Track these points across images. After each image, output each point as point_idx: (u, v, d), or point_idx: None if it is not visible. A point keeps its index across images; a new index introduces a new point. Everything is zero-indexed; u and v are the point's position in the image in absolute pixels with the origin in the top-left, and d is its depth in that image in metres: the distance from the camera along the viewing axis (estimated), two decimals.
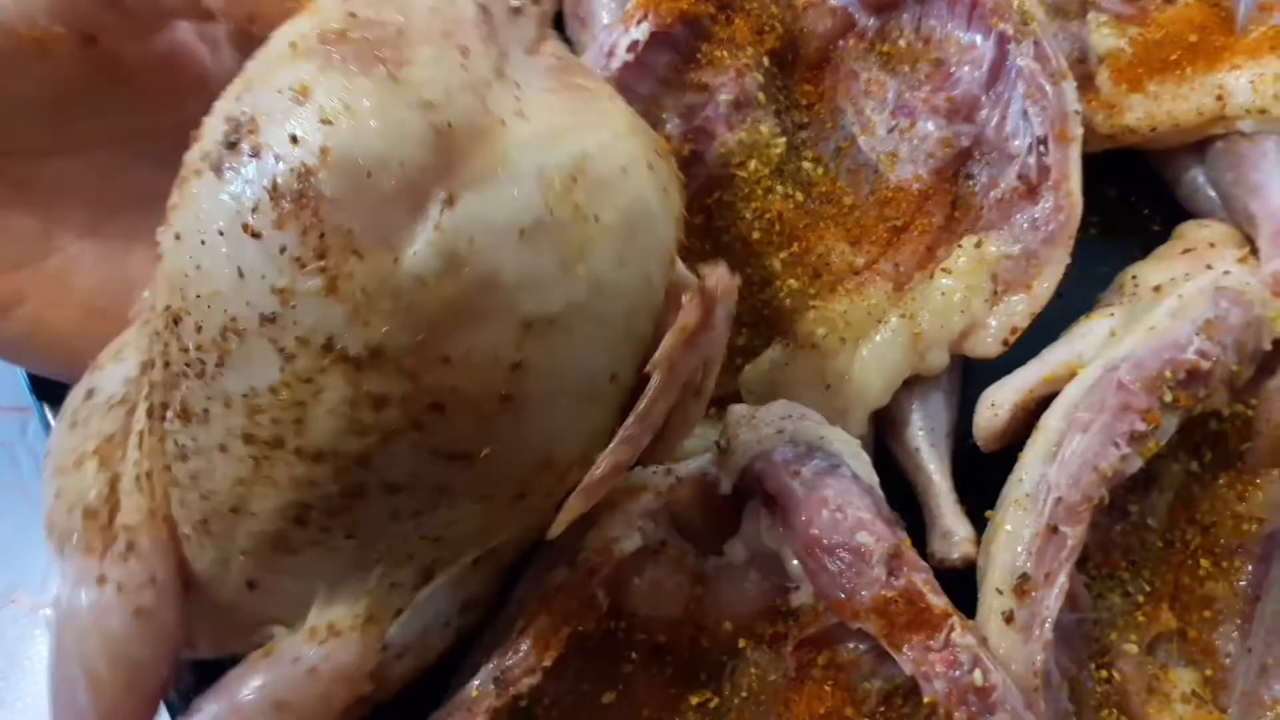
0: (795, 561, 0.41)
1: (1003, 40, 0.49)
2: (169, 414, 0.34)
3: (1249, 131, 0.53)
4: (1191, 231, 0.54)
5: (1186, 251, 0.52)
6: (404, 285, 0.30)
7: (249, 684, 0.36)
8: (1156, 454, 0.44)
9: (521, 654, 0.39)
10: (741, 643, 0.41)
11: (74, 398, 0.40)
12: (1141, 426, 0.42)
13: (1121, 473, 0.42)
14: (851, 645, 0.40)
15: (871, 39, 0.53)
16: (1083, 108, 0.53)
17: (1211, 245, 0.52)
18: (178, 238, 0.32)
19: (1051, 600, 0.40)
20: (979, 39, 0.50)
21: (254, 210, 0.30)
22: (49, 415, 0.49)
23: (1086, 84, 0.55)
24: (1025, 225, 0.47)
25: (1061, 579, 0.40)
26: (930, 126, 0.50)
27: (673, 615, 0.42)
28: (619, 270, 0.33)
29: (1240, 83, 0.53)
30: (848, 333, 0.47)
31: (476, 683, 0.39)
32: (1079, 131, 0.48)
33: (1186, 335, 0.44)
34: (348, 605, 0.36)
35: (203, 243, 0.31)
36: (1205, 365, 0.43)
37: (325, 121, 0.30)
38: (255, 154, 0.30)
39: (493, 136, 0.32)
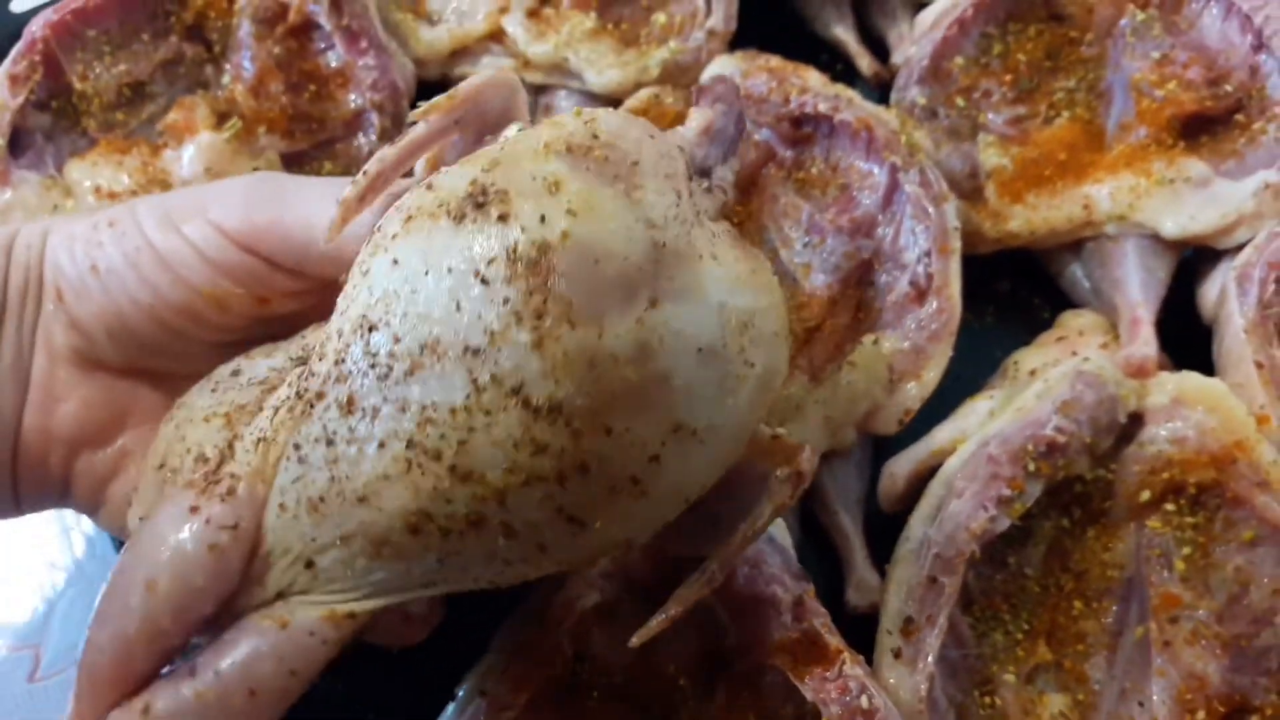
0: (724, 612, 0.49)
1: (894, 169, 0.59)
2: (326, 402, 0.38)
3: (1113, 234, 0.62)
4: (1068, 320, 0.63)
5: (1060, 339, 0.61)
6: (600, 358, 0.34)
7: (265, 641, 0.39)
8: (1028, 513, 0.52)
9: (500, 694, 0.48)
10: (682, 682, 0.49)
11: (221, 372, 0.45)
12: (1008, 492, 0.51)
13: (990, 531, 0.50)
14: (768, 679, 0.47)
15: (789, 168, 0.63)
16: (973, 217, 0.63)
17: (1081, 333, 0.61)
18: (395, 262, 0.36)
19: (932, 638, 0.48)
20: (875, 168, 0.60)
21: (489, 262, 0.34)
22: None
23: (977, 195, 0.65)
24: (914, 325, 0.56)
25: (941, 620, 0.49)
26: (837, 242, 0.59)
27: (626, 660, 0.50)
28: (749, 413, 0.37)
29: (1103, 194, 0.62)
30: (771, 418, 0.56)
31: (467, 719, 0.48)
32: (957, 245, 0.57)
33: (1047, 414, 0.52)
34: (370, 604, 0.40)
35: (426, 272, 0.35)
36: (1062, 439, 0.52)
37: (571, 212, 0.35)
38: (503, 219, 0.35)
39: (693, 265, 0.36)
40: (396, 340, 0.36)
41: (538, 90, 0.72)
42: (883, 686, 0.47)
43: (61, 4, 0.67)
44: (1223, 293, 0.59)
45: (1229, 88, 0.64)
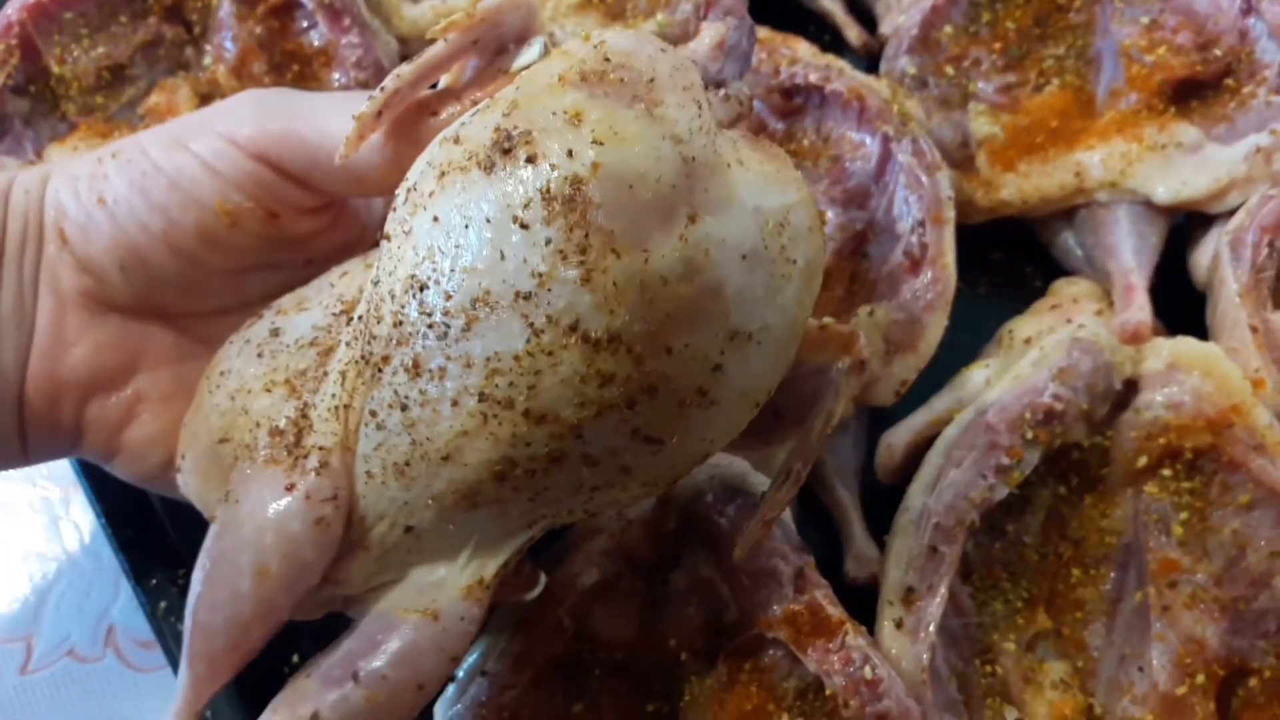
0: (725, 586, 0.49)
1: (886, 139, 0.59)
2: (393, 366, 0.38)
3: (1105, 201, 0.62)
4: (1061, 288, 0.63)
5: (1054, 307, 0.60)
6: (649, 282, 0.35)
7: (424, 636, 0.40)
8: (1026, 482, 0.52)
9: (502, 673, 0.47)
10: (684, 656, 0.49)
11: (258, 332, 0.44)
12: (1006, 461, 0.51)
13: (989, 500, 0.50)
14: (770, 652, 0.47)
15: (780, 139, 0.62)
16: (965, 186, 0.63)
17: (1075, 300, 0.61)
18: (435, 220, 0.36)
19: (934, 608, 0.48)
20: (867, 138, 0.60)
21: (525, 206, 0.35)
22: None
23: (968, 165, 0.65)
24: (909, 296, 0.56)
25: (942, 590, 0.49)
26: (830, 214, 0.59)
27: (628, 636, 0.50)
28: (799, 308, 0.38)
29: (1094, 160, 0.62)
30: None
31: (469, 699, 0.48)
32: (951, 214, 0.57)
33: (1044, 382, 0.52)
34: (493, 562, 0.41)
35: (466, 226, 0.35)
36: (1059, 407, 0.52)
37: (596, 142, 0.35)
38: (531, 160, 0.35)
39: (723, 174, 0.37)
40: (448, 297, 0.36)
41: None
42: (885, 657, 0.47)
43: None
44: (1216, 258, 0.59)
45: (1218, 52, 0.64)
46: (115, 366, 0.46)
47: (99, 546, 0.63)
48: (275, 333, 0.44)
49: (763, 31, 0.65)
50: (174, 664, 0.53)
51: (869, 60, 0.72)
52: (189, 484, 0.45)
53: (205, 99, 0.65)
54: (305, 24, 0.68)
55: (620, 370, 0.35)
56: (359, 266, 0.45)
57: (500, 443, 0.37)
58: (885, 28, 0.72)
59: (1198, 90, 0.64)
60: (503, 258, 0.35)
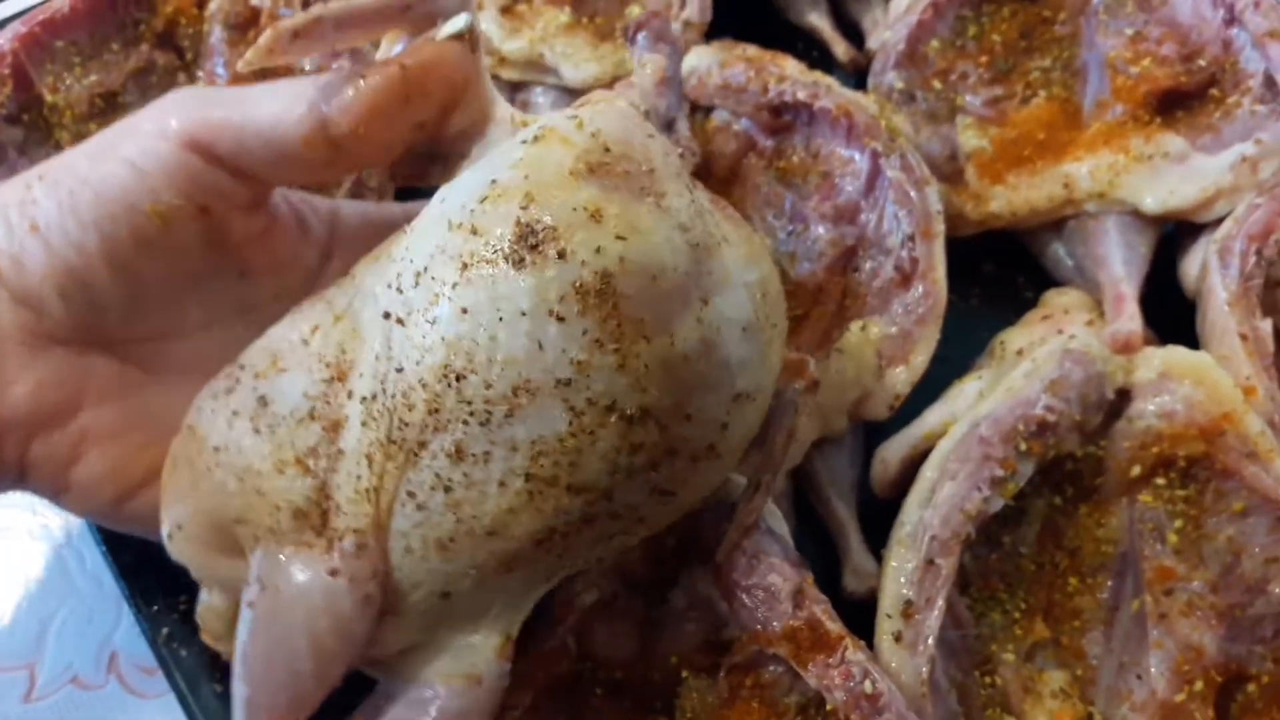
0: (724, 603, 0.49)
1: (875, 155, 0.59)
2: (432, 450, 0.40)
3: (1093, 211, 0.63)
4: (1052, 299, 0.63)
5: (1045, 318, 0.61)
6: (674, 361, 0.39)
7: (469, 701, 0.44)
8: (1021, 493, 0.52)
9: (505, 694, 0.48)
10: (684, 674, 0.49)
11: (244, 401, 0.44)
12: (1000, 473, 0.51)
13: (985, 512, 0.50)
14: (771, 668, 0.48)
15: (770, 156, 0.63)
16: (954, 200, 0.64)
17: (1066, 311, 0.61)
18: (465, 311, 0.38)
19: (932, 621, 0.49)
20: (856, 155, 0.60)
21: (560, 300, 0.37)
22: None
23: (957, 178, 0.65)
24: (901, 310, 0.57)
25: (940, 602, 0.49)
26: (821, 230, 0.60)
27: (628, 655, 0.50)
28: (778, 362, 0.43)
29: (1082, 171, 0.63)
30: None
31: None
32: (941, 228, 0.58)
33: (1036, 393, 0.52)
34: (518, 617, 0.45)
35: (500, 319, 0.38)
36: (1052, 418, 0.52)
37: (620, 238, 0.38)
38: (561, 257, 0.37)
39: (718, 253, 0.41)
40: (488, 386, 0.38)
41: (514, 87, 0.72)
42: (885, 670, 0.47)
43: (29, 16, 0.66)
44: (1204, 266, 0.59)
45: (1203, 62, 0.65)
46: (58, 403, 0.45)
47: (100, 573, 0.63)
48: (264, 401, 0.44)
49: (750, 49, 0.66)
50: (176, 689, 0.53)
51: (857, 76, 0.73)
52: (184, 552, 0.46)
53: None
54: None
55: (649, 439, 0.39)
56: (326, 318, 0.44)
57: (544, 515, 0.40)
58: (872, 43, 0.73)
59: (1183, 101, 0.64)
60: (541, 348, 0.38)
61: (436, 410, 0.39)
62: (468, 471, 0.40)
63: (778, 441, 0.46)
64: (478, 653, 0.44)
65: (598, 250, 0.38)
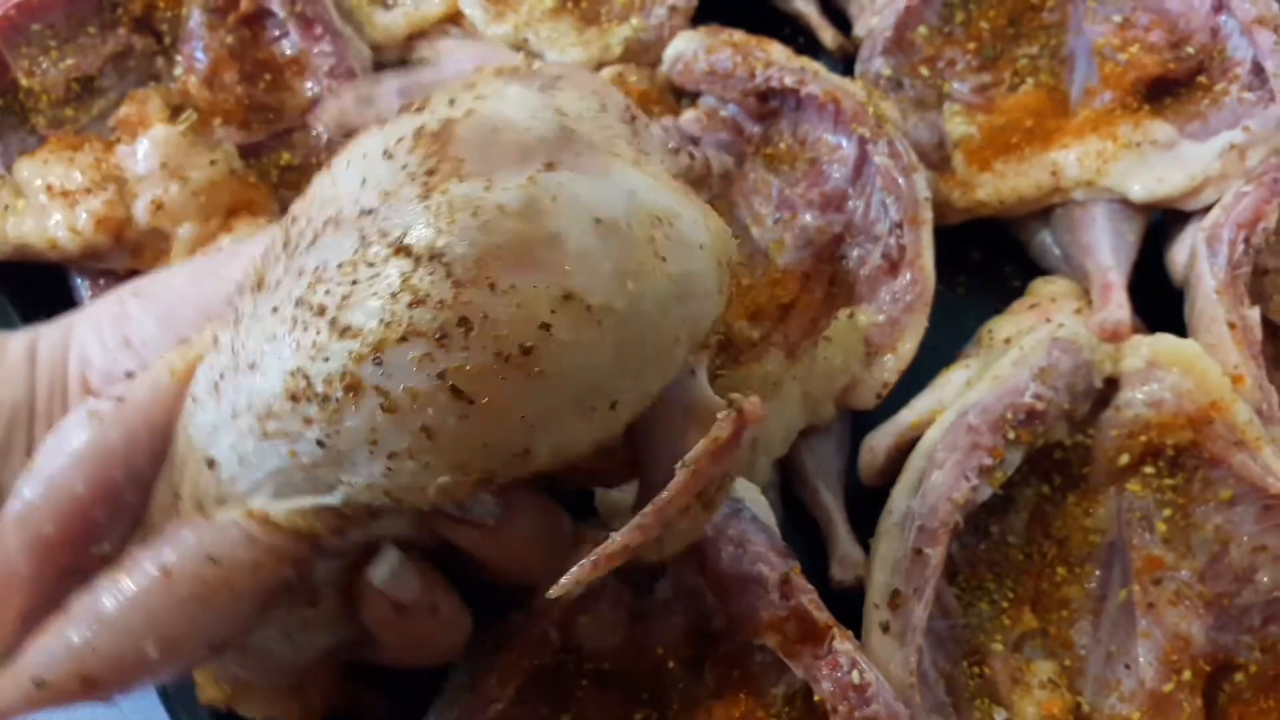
0: (710, 593, 0.49)
1: (862, 141, 0.59)
2: (241, 290, 0.39)
3: (1081, 199, 0.62)
4: (1039, 287, 0.63)
5: (1033, 306, 0.61)
6: (484, 207, 0.34)
7: (184, 540, 0.37)
8: (1009, 482, 0.52)
9: (488, 687, 0.47)
10: (671, 665, 0.49)
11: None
12: (989, 461, 0.51)
13: (973, 501, 0.50)
14: (758, 659, 0.47)
15: (757, 143, 0.62)
16: (941, 187, 0.63)
17: (1053, 300, 0.61)
18: (330, 168, 0.39)
19: (920, 610, 0.48)
20: (844, 141, 0.60)
21: (397, 141, 0.36)
22: None
23: (945, 165, 0.65)
24: (888, 298, 0.56)
25: (928, 592, 0.49)
26: (808, 217, 0.59)
27: (614, 646, 0.49)
28: (659, 314, 0.36)
29: (1070, 159, 0.62)
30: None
31: (455, 715, 0.47)
32: (929, 216, 0.57)
33: (1024, 382, 0.52)
34: (282, 505, 0.37)
35: (348, 165, 0.37)
36: (1040, 406, 0.52)
37: (479, 97, 0.37)
38: (419, 110, 0.37)
39: (606, 158, 0.37)
40: (308, 221, 0.37)
41: None
42: (872, 661, 0.47)
43: (2, 0, 0.65)
44: (1192, 254, 0.59)
45: (1190, 50, 0.64)
46: None
47: None
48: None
49: (737, 34, 0.65)
50: None
51: (844, 63, 0.72)
52: None
53: (177, 110, 0.64)
54: (277, 33, 0.67)
55: (435, 292, 0.33)
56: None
57: (300, 350, 0.35)
58: (860, 30, 0.72)
59: (1171, 88, 0.64)
60: (363, 184, 0.36)
61: (264, 253, 0.39)
62: (257, 301, 0.37)
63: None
64: (223, 510, 0.38)
65: (451, 103, 0.37)
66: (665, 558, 0.43)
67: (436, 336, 0.34)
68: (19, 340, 0.44)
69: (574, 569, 0.37)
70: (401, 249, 0.34)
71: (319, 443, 0.35)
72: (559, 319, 0.34)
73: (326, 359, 0.34)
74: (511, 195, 0.34)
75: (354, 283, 0.34)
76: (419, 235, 0.34)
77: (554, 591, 0.37)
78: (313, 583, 0.40)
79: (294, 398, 0.35)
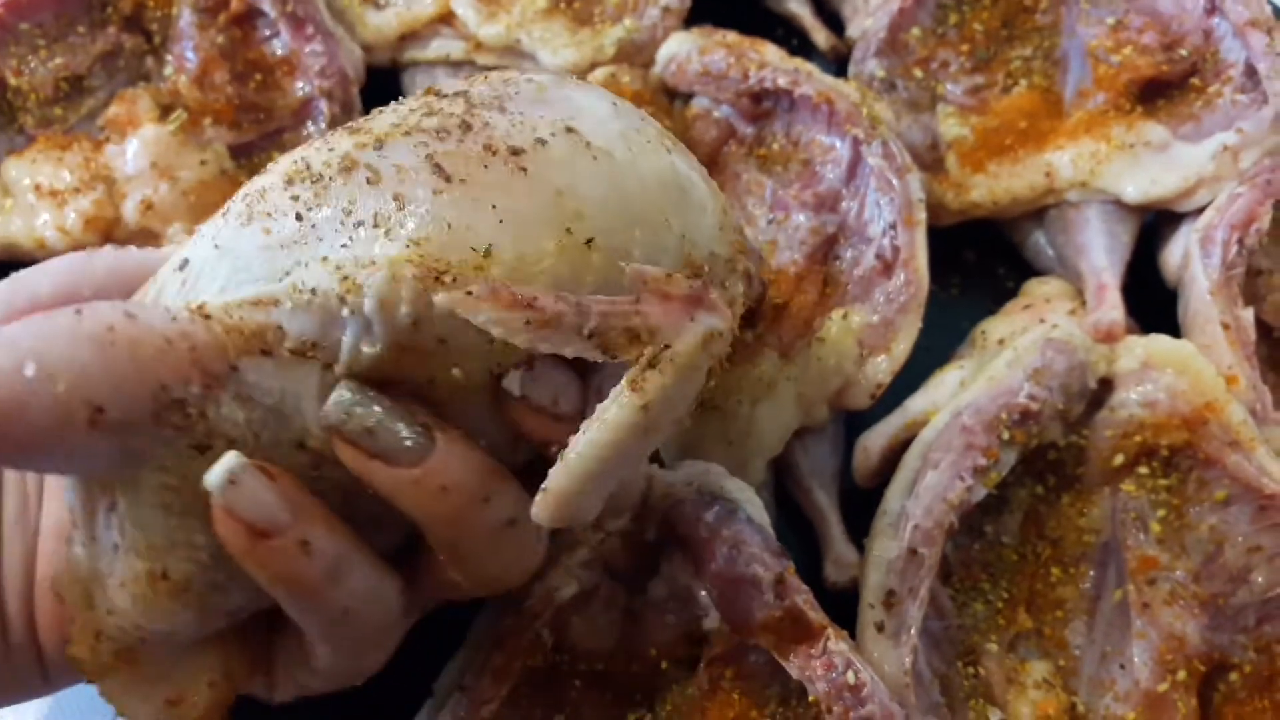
0: (704, 593, 0.48)
1: (856, 142, 0.58)
2: None
3: (1075, 200, 0.62)
4: (1033, 288, 0.63)
5: (1027, 307, 0.60)
6: (514, 79, 0.40)
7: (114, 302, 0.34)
8: (1003, 482, 0.52)
9: (480, 688, 0.47)
10: (665, 665, 0.48)
11: None
12: (983, 461, 0.51)
13: (968, 501, 0.50)
14: (752, 659, 0.47)
15: (750, 144, 0.62)
16: (935, 189, 0.63)
17: (1048, 301, 0.61)
18: None
19: (915, 611, 0.48)
20: (837, 142, 0.59)
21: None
22: None
23: (938, 167, 0.64)
24: (882, 299, 0.56)
25: (923, 593, 0.48)
26: (801, 218, 0.59)
27: (608, 646, 0.49)
28: (656, 186, 0.38)
29: (1064, 160, 0.62)
30: (744, 396, 0.55)
31: (447, 716, 0.47)
32: (923, 216, 0.57)
33: (1019, 382, 0.52)
34: (234, 297, 0.35)
35: None
36: (1035, 407, 0.51)
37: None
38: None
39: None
40: None
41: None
42: (867, 661, 0.46)
43: None
44: (1186, 255, 0.59)
45: (1183, 52, 0.64)
46: None
47: None
48: None
49: (730, 35, 0.65)
50: None
51: (837, 64, 0.72)
52: None
53: (166, 110, 0.63)
54: (268, 33, 0.67)
55: (448, 109, 0.37)
56: None
57: (310, 149, 0.37)
58: (853, 31, 0.72)
59: (1164, 90, 0.64)
60: None
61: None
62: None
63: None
64: (154, 307, 0.35)
65: None
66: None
67: (435, 131, 0.36)
68: None
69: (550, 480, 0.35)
70: (432, 90, 0.39)
71: (297, 216, 0.35)
72: (556, 140, 0.36)
73: (331, 149, 0.36)
74: (543, 78, 0.39)
75: (380, 111, 0.38)
76: (450, 85, 0.39)
77: (536, 513, 0.35)
78: (208, 421, 0.34)
79: (289, 181, 0.36)
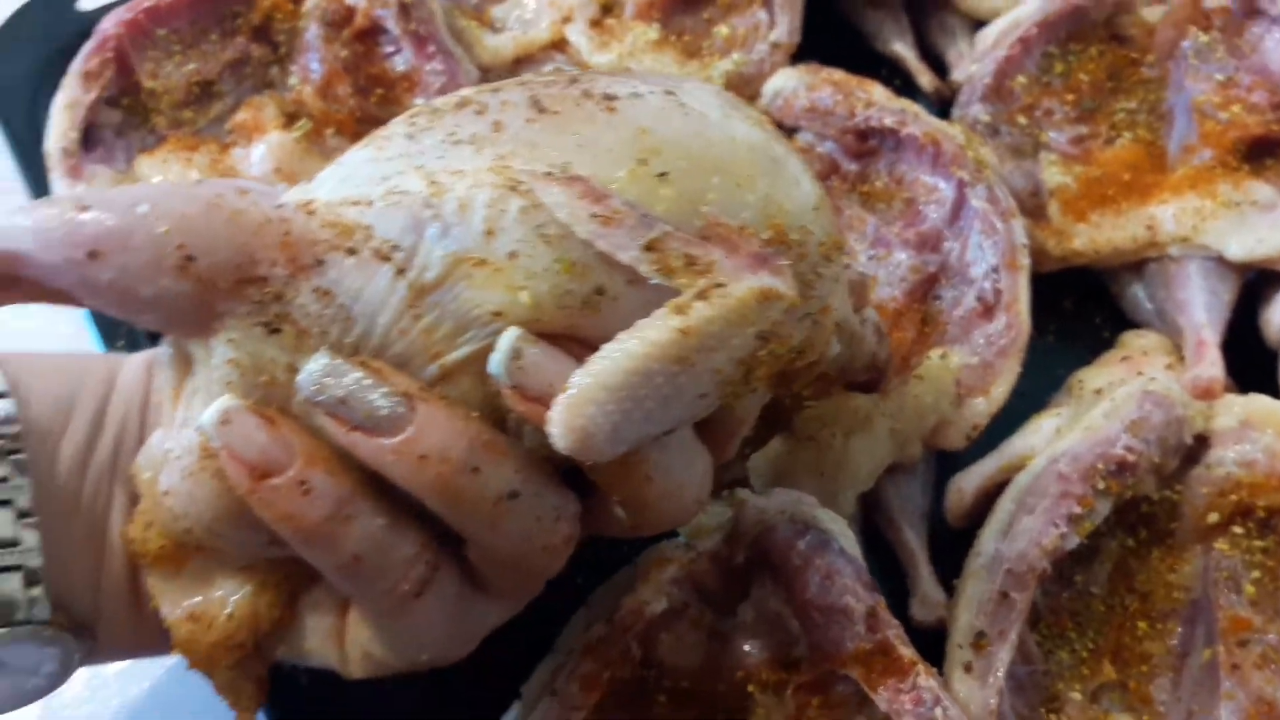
0: (794, 620, 0.49)
1: (961, 185, 0.59)
2: None
3: (1176, 255, 0.62)
4: (1131, 340, 0.63)
5: (1124, 359, 0.60)
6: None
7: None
8: (1095, 532, 0.51)
9: (570, 694, 0.48)
10: (751, 688, 0.49)
11: None
12: (1078, 510, 0.51)
13: (1061, 548, 0.50)
14: (840, 689, 0.47)
15: (853, 180, 0.63)
16: (1036, 235, 0.63)
17: (1145, 353, 0.61)
18: None
19: (1004, 653, 0.48)
20: (941, 183, 0.60)
21: None
22: None
23: (1040, 214, 0.65)
24: (982, 340, 0.56)
25: (1012, 636, 0.48)
26: (903, 256, 0.60)
27: (694, 665, 0.50)
28: (746, 148, 0.38)
29: (1167, 215, 0.62)
30: (838, 428, 0.56)
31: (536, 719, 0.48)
32: (1026, 261, 0.57)
33: (1116, 433, 0.52)
34: (339, 196, 0.37)
35: None
36: (1132, 458, 0.52)
37: None
38: None
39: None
40: None
41: None
42: (953, 699, 0.47)
43: (133, 2, 0.67)
44: None
45: None
46: None
47: None
48: None
49: (837, 73, 0.66)
50: None
51: (940, 106, 0.73)
52: None
53: (292, 118, 0.66)
54: (390, 49, 0.70)
55: (562, 79, 0.39)
56: None
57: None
58: (958, 75, 0.73)
59: (1272, 149, 0.64)
60: None
61: None
62: None
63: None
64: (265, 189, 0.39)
65: None
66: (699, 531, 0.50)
67: (545, 82, 0.39)
68: (137, 359, 0.44)
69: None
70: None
71: (408, 136, 0.38)
72: (653, 95, 0.38)
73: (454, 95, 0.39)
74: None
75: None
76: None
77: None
78: (283, 303, 0.35)
79: (412, 117, 0.39)
